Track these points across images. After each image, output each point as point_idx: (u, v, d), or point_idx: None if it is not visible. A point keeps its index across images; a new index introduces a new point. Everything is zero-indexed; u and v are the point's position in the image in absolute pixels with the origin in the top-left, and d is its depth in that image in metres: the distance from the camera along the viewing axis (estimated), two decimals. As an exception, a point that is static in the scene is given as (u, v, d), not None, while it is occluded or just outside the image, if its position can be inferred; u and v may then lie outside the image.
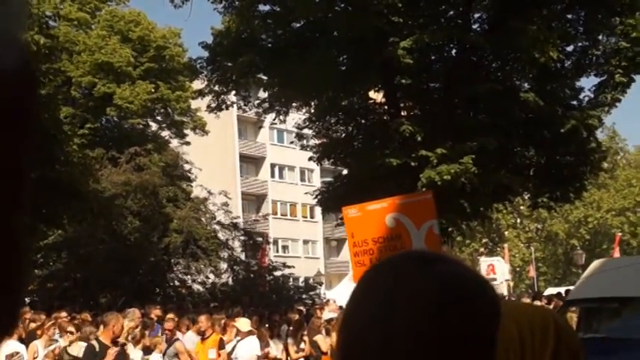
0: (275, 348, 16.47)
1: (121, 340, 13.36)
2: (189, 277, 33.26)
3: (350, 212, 13.00)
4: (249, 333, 15.34)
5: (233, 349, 15.25)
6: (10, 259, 0.48)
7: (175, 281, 33.09)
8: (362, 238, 12.42)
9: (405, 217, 12.21)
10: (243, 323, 15.57)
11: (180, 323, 16.03)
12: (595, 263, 13.41)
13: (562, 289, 27.41)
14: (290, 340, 16.89)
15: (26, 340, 13.29)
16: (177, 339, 12.01)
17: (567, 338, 1.94)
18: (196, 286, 33.20)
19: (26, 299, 30.20)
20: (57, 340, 13.42)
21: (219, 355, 14.64)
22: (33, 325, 14.00)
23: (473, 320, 1.20)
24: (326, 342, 16.64)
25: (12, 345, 12.89)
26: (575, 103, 23.30)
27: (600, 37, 22.88)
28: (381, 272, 1.28)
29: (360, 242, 12.43)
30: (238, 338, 15.44)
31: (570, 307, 13.49)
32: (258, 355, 15.15)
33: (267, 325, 17.44)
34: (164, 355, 11.70)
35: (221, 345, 14.76)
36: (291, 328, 17.58)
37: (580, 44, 23.08)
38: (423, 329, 1.18)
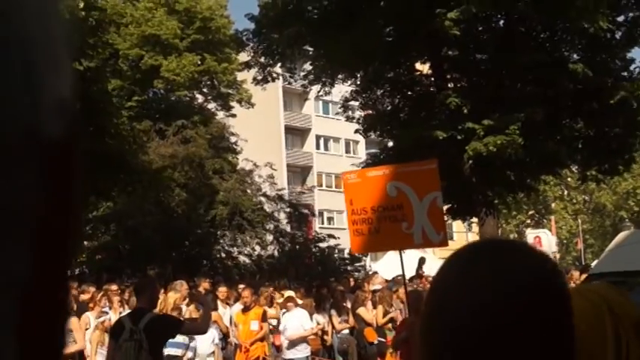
0: (321, 319, 16.58)
1: (169, 312, 13.56)
2: (235, 248, 33.48)
3: (349, 178, 12.44)
4: (295, 305, 15.48)
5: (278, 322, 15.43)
6: (62, 294, 0.52)
7: (222, 253, 33.33)
8: (361, 206, 11.90)
9: (407, 187, 11.62)
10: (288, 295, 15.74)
11: (229, 294, 16.21)
12: (621, 235, 12.87)
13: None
14: (333, 312, 16.98)
15: (77, 312, 13.50)
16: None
17: (624, 312, 1.93)
18: (242, 258, 33.42)
19: (75, 270, 30.69)
20: (107, 312, 13.63)
21: (261, 327, 14.76)
22: (84, 297, 14.20)
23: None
24: (370, 314, 16.72)
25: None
26: (625, 74, 22.95)
27: (652, 7, 22.48)
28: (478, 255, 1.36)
29: (359, 210, 11.91)
30: (284, 311, 15.56)
31: (593, 282, 13.10)
32: (306, 328, 15.24)
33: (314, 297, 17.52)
34: None
35: (264, 317, 14.89)
36: (334, 299, 17.66)
37: (631, 14, 22.68)
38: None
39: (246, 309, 14.81)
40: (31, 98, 0.47)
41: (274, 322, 15.99)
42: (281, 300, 16.42)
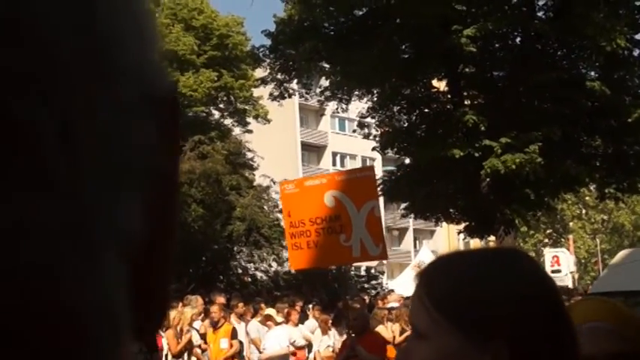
0: (336, 338, 16.45)
1: (184, 327, 13.54)
2: (251, 264, 33.43)
3: (287, 188, 11.93)
4: (278, 323, 15.26)
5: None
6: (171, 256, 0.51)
7: (238, 269, 33.29)
8: (298, 218, 11.40)
9: (345, 197, 11.10)
10: (271, 313, 15.57)
11: (246, 311, 16.10)
12: (621, 253, 12.41)
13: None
14: (350, 330, 16.85)
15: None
16: None
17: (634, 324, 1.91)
18: (259, 274, 33.36)
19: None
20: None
21: (231, 345, 14.35)
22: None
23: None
24: (389, 332, 16.62)
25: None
26: (643, 91, 22.88)
27: (670, 25, 22.40)
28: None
29: (297, 223, 11.40)
30: (266, 329, 15.29)
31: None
32: (283, 346, 14.91)
33: (332, 315, 17.40)
34: None
35: (233, 335, 14.47)
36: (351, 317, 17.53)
37: (649, 32, 22.63)
38: None
39: (215, 326, 14.43)
40: (148, 54, 0.49)
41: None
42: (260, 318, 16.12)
